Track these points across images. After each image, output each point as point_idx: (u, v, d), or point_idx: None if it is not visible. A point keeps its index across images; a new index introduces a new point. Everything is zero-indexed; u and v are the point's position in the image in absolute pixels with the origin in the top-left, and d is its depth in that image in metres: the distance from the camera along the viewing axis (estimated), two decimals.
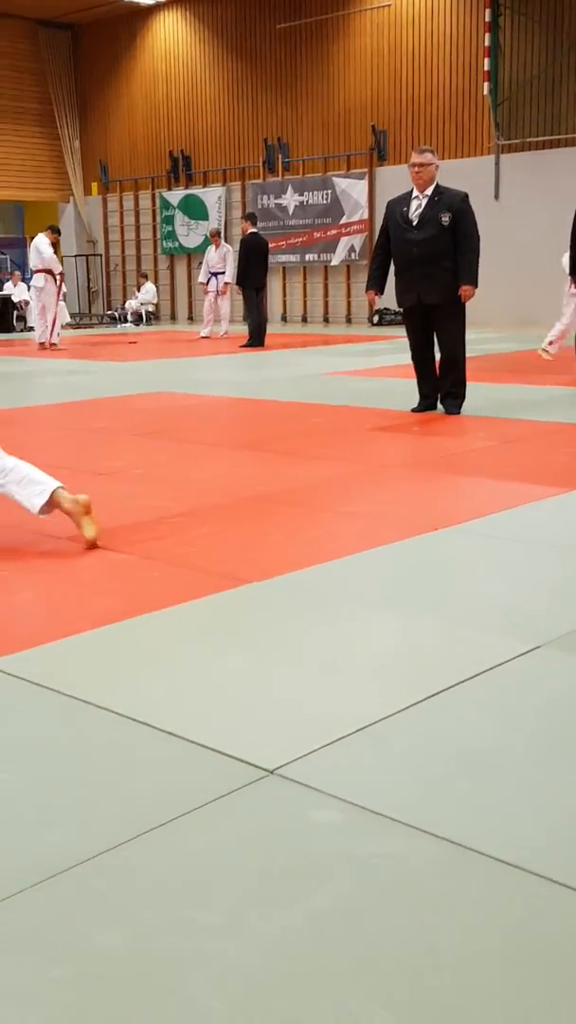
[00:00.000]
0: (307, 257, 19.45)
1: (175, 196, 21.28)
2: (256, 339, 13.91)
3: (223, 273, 15.64)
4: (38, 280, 14.36)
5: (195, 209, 20.97)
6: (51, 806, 1.93)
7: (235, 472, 5.28)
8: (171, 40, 20.87)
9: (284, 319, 19.88)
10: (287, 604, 3.12)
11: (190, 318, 21.10)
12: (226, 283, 15.62)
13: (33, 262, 14.61)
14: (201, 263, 16.56)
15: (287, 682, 2.51)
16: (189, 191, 21.09)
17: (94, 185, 22.69)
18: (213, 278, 15.83)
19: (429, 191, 6.91)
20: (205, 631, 2.90)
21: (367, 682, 2.50)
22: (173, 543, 3.82)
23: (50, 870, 1.70)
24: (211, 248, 16.11)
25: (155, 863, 1.73)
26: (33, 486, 3.86)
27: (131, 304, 20.66)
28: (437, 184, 6.95)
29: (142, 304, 20.46)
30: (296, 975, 1.44)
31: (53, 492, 3.84)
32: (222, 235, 16.88)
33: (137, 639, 2.83)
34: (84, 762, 2.11)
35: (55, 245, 14.76)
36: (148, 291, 20.65)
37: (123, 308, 20.96)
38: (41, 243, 14.44)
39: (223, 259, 15.76)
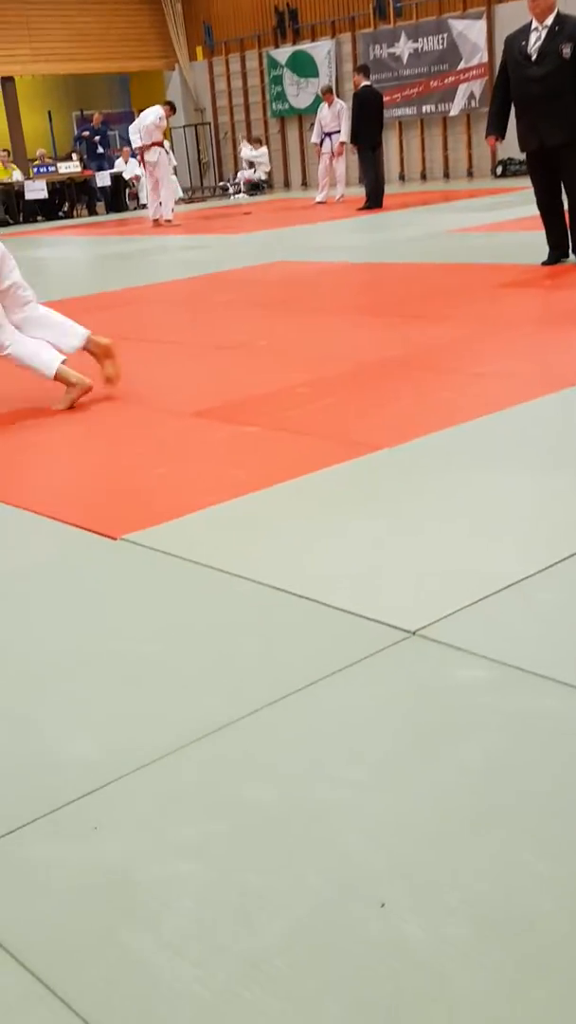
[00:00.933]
0: (424, 109, 18.52)
1: (282, 54, 20.43)
2: (374, 200, 13.43)
3: (338, 132, 15.07)
4: (150, 155, 14.09)
5: (304, 66, 20.11)
6: (200, 673, 1.98)
7: (359, 338, 5.17)
8: None
9: (402, 178, 19.10)
10: (422, 467, 3.06)
11: (304, 184, 20.52)
12: (341, 143, 15.06)
13: (145, 137, 14.24)
14: (313, 124, 15.96)
15: (426, 545, 2.47)
16: (297, 47, 20.20)
17: (199, 49, 21.97)
18: (327, 138, 15.27)
19: (549, 21, 6.38)
20: (341, 498, 2.88)
21: (509, 541, 2.45)
22: (301, 413, 3.78)
23: (203, 731, 1.75)
24: (323, 106, 15.49)
25: (300, 723, 1.76)
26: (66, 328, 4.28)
27: (243, 171, 20.15)
28: (558, 12, 6.40)
29: (254, 163, 19.83)
30: (451, 827, 1.45)
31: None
32: (334, 91, 16.18)
33: (273, 509, 2.83)
34: (229, 631, 2.14)
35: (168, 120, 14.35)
36: (261, 156, 20.07)
37: (235, 179, 20.51)
38: (150, 114, 14.07)
39: (337, 117, 15.14)
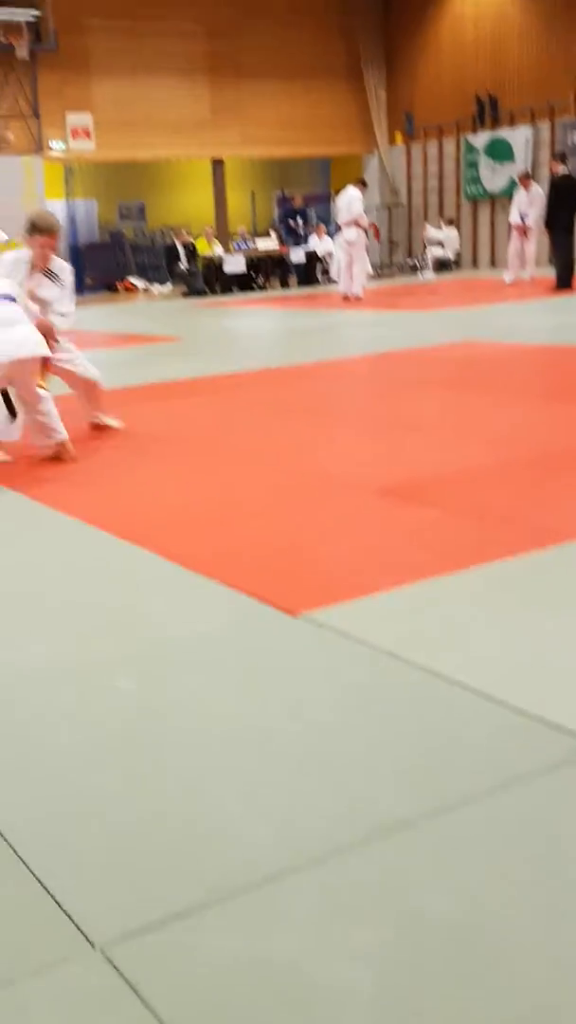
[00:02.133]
0: None
1: (480, 139, 20.67)
2: (565, 282, 13.28)
3: (531, 216, 15.13)
4: (349, 233, 14.45)
5: (501, 151, 20.26)
6: (376, 767, 1.93)
7: (546, 423, 5.06)
8: None
9: None
10: None
11: (492, 263, 20.53)
12: (529, 226, 15.16)
13: (343, 216, 14.68)
14: (510, 208, 16.05)
15: None
16: (495, 133, 20.40)
17: (398, 135, 22.52)
18: (522, 220, 15.36)
19: None
20: (526, 589, 2.79)
21: None
22: (485, 497, 3.71)
23: (379, 829, 1.69)
24: (520, 190, 15.61)
25: (481, 831, 1.68)
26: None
27: (432, 249, 20.36)
28: None
29: (443, 243, 20.05)
30: None
31: None
32: (530, 177, 16.28)
33: (456, 596, 2.77)
34: (408, 725, 2.08)
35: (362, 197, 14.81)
36: (451, 237, 20.25)
37: (424, 257, 20.74)
38: (354, 197, 14.52)
39: (533, 202, 15.21)
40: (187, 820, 1.77)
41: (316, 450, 4.79)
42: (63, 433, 4.71)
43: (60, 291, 5.15)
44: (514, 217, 15.59)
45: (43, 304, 5.03)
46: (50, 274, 5.12)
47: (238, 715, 2.15)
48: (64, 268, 5.22)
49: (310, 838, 1.67)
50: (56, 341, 5.02)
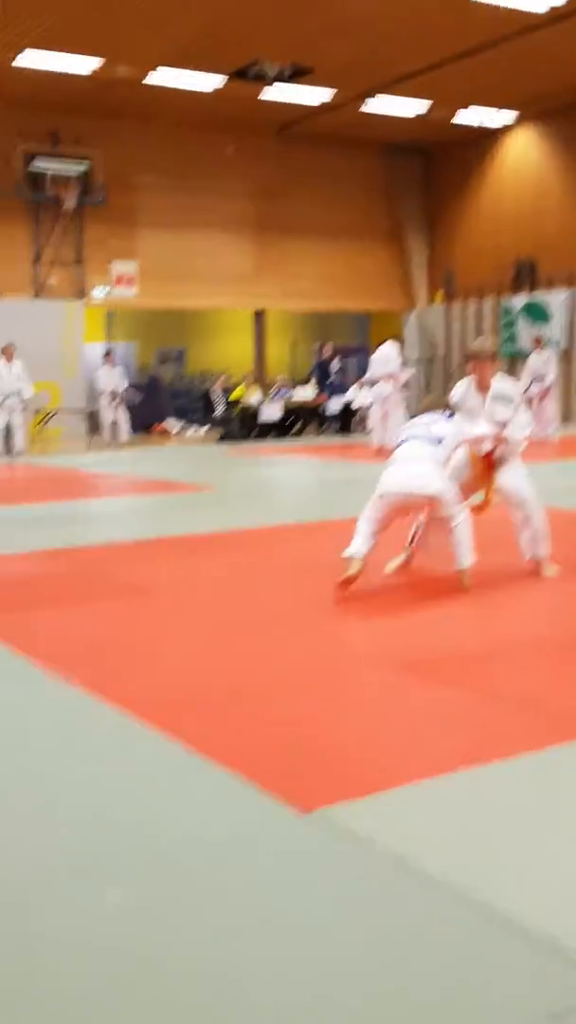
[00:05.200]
0: None
1: (518, 301, 21.22)
2: None
3: (543, 378, 15.98)
4: (384, 387, 14.76)
5: (538, 313, 20.75)
6: (369, 986, 1.72)
7: None
8: (519, 156, 21.09)
9: None
10: None
11: None
12: (546, 387, 15.75)
13: (379, 370, 15.03)
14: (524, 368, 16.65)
15: None
16: (532, 296, 20.95)
17: (438, 295, 23.18)
18: (533, 383, 16.01)
19: None
20: (554, 788, 2.59)
21: None
22: (515, 679, 3.55)
23: None
24: (534, 354, 16.34)
25: None
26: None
27: None
28: None
29: None
30: None
31: None
32: (544, 340, 17.13)
33: (479, 793, 2.59)
34: (427, 960, 1.88)
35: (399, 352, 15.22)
36: None
37: None
38: (390, 353, 14.91)
39: (546, 363, 16.00)
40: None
41: (339, 616, 4.66)
42: (466, 561, 4.99)
43: (510, 409, 5.43)
44: (523, 384, 16.24)
45: (500, 425, 5.38)
46: (498, 395, 5.44)
47: (228, 935, 1.96)
48: (507, 388, 5.53)
49: None
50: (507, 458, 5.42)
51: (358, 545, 5.09)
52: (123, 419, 17.91)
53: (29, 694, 3.63)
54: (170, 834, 2.45)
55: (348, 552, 5.05)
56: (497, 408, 5.41)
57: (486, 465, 5.38)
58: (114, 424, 17.90)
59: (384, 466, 5.22)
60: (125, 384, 18.11)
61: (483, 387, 5.45)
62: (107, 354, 18.34)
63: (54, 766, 2.91)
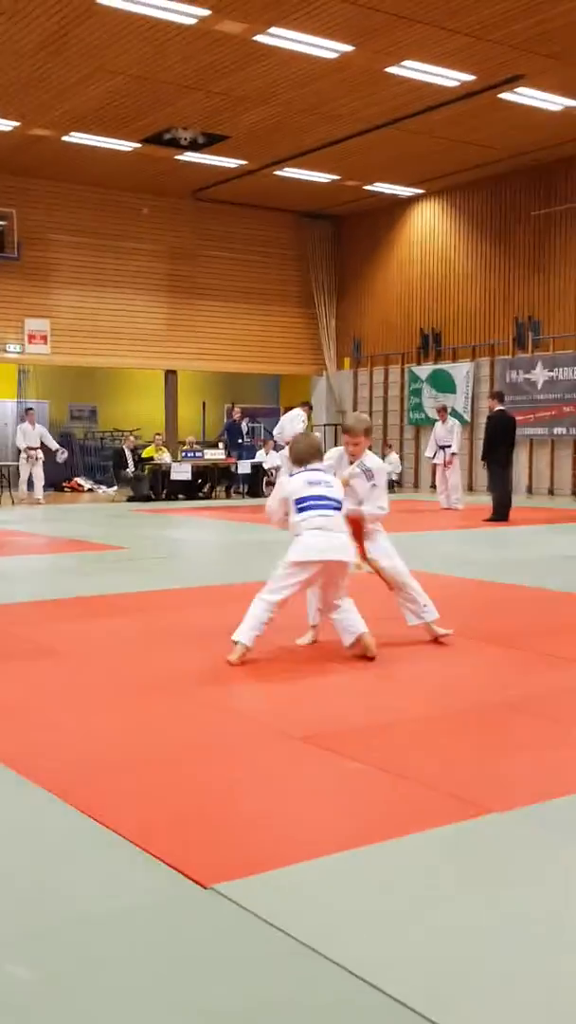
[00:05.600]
0: (555, 431, 19.25)
1: (424, 370, 21.84)
2: (500, 514, 13.75)
3: (449, 446, 16.57)
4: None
5: (443, 383, 21.39)
6: None
7: (482, 670, 5.08)
8: (427, 226, 21.89)
9: (530, 491, 19.61)
10: (537, 841, 2.88)
11: (432, 486, 21.25)
12: (452, 454, 16.39)
13: (286, 433, 15.38)
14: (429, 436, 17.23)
15: (537, 948, 2.26)
16: (438, 366, 21.59)
17: (346, 360, 23.72)
18: (440, 451, 16.58)
19: None
20: (443, 869, 2.70)
21: None
22: (412, 753, 3.66)
23: None
24: (438, 424, 17.13)
25: None
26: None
27: None
28: None
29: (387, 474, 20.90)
30: None
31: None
32: (448, 410, 17.87)
33: (379, 871, 2.67)
34: None
35: (308, 417, 15.53)
36: (392, 462, 21.04)
37: None
38: (296, 416, 15.25)
39: (449, 432, 16.74)
40: None
41: (242, 685, 4.74)
42: (360, 627, 5.20)
43: (371, 487, 5.61)
44: (429, 453, 16.95)
45: (354, 496, 5.56)
46: (365, 469, 5.63)
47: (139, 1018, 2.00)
48: (377, 466, 5.69)
49: None
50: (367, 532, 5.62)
51: (246, 632, 5.10)
52: (40, 476, 17.79)
53: None
54: (66, 906, 2.48)
55: (237, 637, 5.11)
56: (357, 483, 5.61)
57: (355, 527, 5.51)
58: (30, 480, 17.74)
59: (295, 533, 5.25)
60: (52, 443, 18.00)
61: (353, 459, 5.69)
62: (28, 411, 18.32)
63: None
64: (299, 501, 5.26)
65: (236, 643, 5.11)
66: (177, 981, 2.14)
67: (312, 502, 5.25)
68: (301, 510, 5.24)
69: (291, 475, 5.52)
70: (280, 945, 2.28)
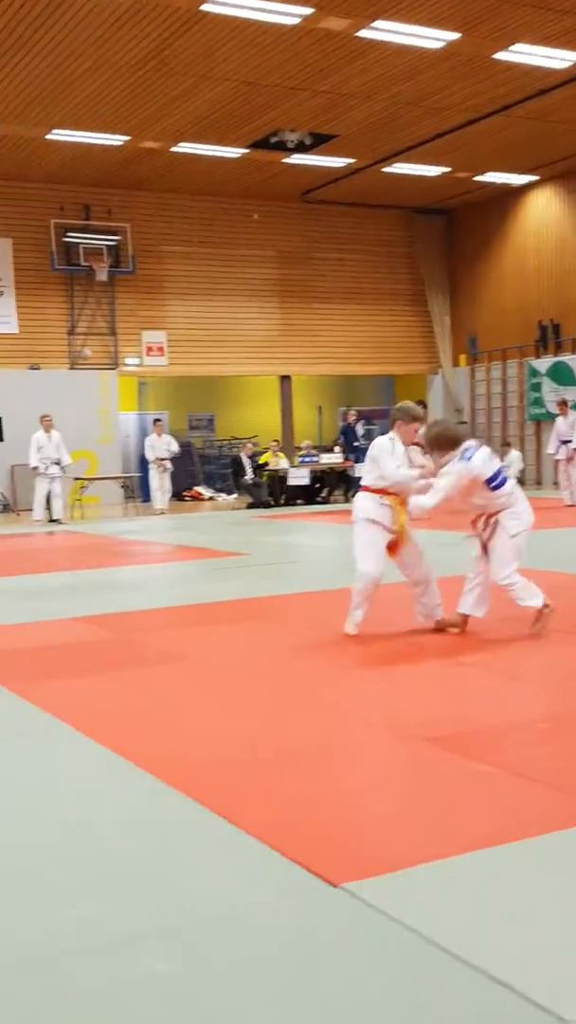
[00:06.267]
0: None
1: (543, 364, 21.41)
2: None
3: (571, 441, 16.14)
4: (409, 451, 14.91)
5: (564, 376, 20.92)
6: None
7: None
8: (542, 215, 21.45)
9: None
10: None
11: (555, 483, 20.81)
12: (574, 449, 15.90)
13: None
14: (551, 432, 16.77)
15: None
16: (558, 358, 21.14)
17: (462, 357, 23.45)
18: (562, 446, 16.16)
19: None
20: (575, 870, 2.66)
21: None
22: (542, 756, 3.61)
23: None
24: (560, 418, 16.50)
25: None
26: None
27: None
28: None
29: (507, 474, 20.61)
30: None
31: None
32: (570, 404, 17.20)
33: (500, 874, 2.65)
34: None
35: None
36: (512, 460, 20.69)
37: None
38: None
39: (571, 427, 16.30)
40: None
41: (369, 686, 4.75)
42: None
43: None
44: (551, 449, 16.48)
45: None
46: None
47: (277, 1012, 2.04)
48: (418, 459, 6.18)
49: None
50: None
51: (537, 597, 5.59)
52: (167, 487, 17.97)
53: (66, 758, 3.74)
54: (200, 903, 2.54)
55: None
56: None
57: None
58: (160, 490, 17.91)
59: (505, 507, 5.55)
60: (176, 450, 18.10)
61: (406, 444, 6.00)
62: (156, 422, 18.53)
63: (98, 836, 3.01)
64: (492, 477, 5.57)
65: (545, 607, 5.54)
66: (309, 976, 2.17)
67: (501, 475, 5.65)
68: (497, 486, 5.58)
69: (464, 458, 5.60)
70: (409, 943, 2.29)
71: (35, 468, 15.99)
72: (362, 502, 5.89)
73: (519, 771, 3.43)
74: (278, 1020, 2.02)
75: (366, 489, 5.92)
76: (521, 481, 20.97)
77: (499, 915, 2.42)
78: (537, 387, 21.57)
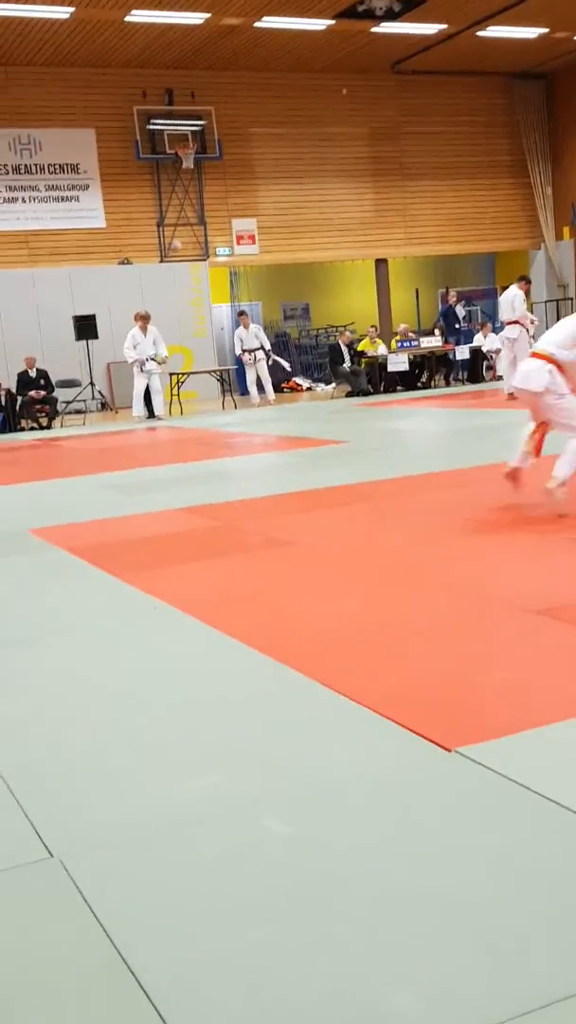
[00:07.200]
0: None
1: None
2: None
3: None
4: (511, 331, 14.43)
5: None
6: (537, 931, 1.81)
7: None
8: None
9: None
10: None
11: None
12: None
13: (505, 314, 14.71)
14: None
15: None
16: None
17: (566, 229, 22.47)
18: None
19: None
20: None
21: None
22: None
23: (540, 1003, 1.58)
24: None
25: None
26: None
27: None
28: None
29: None
30: None
31: None
32: None
33: None
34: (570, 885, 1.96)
35: (526, 294, 14.82)
36: None
37: None
38: (515, 297, 14.52)
39: None
40: (334, 991, 1.70)
41: (475, 563, 4.70)
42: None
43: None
44: None
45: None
46: None
47: (387, 870, 2.07)
48: None
49: (462, 1014, 1.58)
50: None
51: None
52: (266, 377, 17.80)
53: (182, 641, 3.82)
54: (315, 772, 2.57)
55: None
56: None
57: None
58: (258, 382, 17.79)
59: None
60: (266, 344, 17.88)
61: None
62: (241, 314, 18.34)
63: (212, 710, 3.08)
64: None
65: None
66: (426, 838, 2.18)
67: None
68: None
69: None
70: (530, 802, 2.28)
71: (134, 362, 16.00)
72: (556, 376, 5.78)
73: None
74: (400, 880, 2.04)
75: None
76: None
77: None
78: None
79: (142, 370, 15.99)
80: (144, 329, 16.07)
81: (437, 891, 1.97)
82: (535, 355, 5.75)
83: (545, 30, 18.59)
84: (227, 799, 2.46)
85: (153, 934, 1.91)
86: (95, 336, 17.39)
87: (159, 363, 16.09)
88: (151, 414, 16.13)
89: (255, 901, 1.99)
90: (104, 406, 18.87)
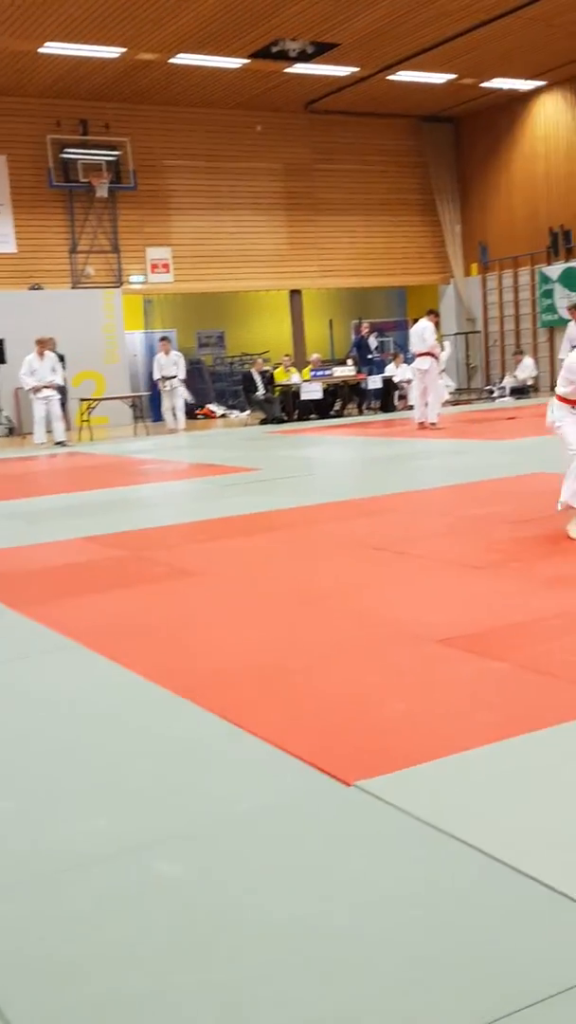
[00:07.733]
0: None
1: (555, 270, 20.99)
2: None
3: None
4: (422, 363, 14.68)
5: (575, 281, 20.51)
6: (414, 971, 1.78)
7: None
8: (550, 120, 20.82)
9: None
10: None
11: None
12: None
13: (416, 346, 14.97)
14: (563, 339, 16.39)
15: None
16: (569, 264, 20.70)
17: (473, 266, 23.00)
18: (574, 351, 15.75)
19: None
20: None
21: None
22: (553, 650, 3.57)
23: None
24: (572, 323, 16.08)
25: None
26: None
27: (508, 381, 20.54)
28: None
29: (520, 381, 20.31)
30: None
31: None
32: None
33: (524, 763, 2.62)
34: (472, 917, 1.94)
35: (435, 327, 15.11)
36: (526, 367, 20.42)
37: (501, 384, 20.87)
38: (425, 329, 14.79)
39: None
40: None
41: (379, 592, 4.71)
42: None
43: None
44: (563, 354, 16.03)
45: None
46: None
47: (280, 910, 2.03)
48: None
49: None
50: None
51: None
52: (180, 405, 17.72)
53: (77, 674, 3.73)
54: (212, 806, 2.52)
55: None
56: None
57: None
58: (171, 410, 17.70)
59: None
60: (183, 370, 17.77)
61: None
62: (162, 340, 18.21)
63: (102, 748, 3.00)
64: None
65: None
66: (325, 872, 2.15)
67: None
68: None
69: None
70: (425, 835, 2.26)
71: (30, 389, 15.76)
72: (559, 412, 6.21)
73: (534, 667, 3.39)
74: (294, 917, 2.00)
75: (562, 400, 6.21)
76: (535, 388, 20.73)
77: (515, 805, 2.39)
78: (549, 294, 21.18)
79: (37, 396, 15.76)
80: (41, 355, 15.85)
81: (331, 930, 1.93)
82: None
83: (452, 76, 19.10)
84: (114, 841, 2.39)
85: (28, 984, 1.83)
86: (3, 361, 17.08)
87: (56, 389, 15.84)
88: (56, 440, 15.90)
89: (136, 947, 1.92)
90: (11, 431, 18.57)
